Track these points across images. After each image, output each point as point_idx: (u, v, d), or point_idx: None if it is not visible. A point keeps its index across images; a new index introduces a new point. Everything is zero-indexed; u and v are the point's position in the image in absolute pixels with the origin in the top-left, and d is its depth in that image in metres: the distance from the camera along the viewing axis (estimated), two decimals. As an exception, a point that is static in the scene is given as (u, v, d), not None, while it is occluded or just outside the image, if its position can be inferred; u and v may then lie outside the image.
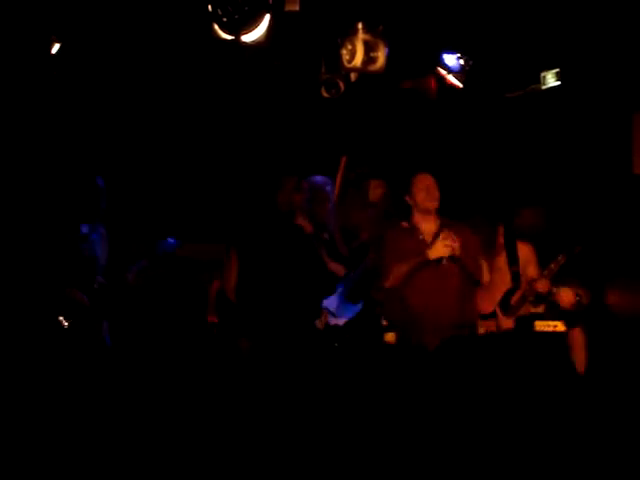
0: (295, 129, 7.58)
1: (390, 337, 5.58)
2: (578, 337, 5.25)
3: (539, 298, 5.59)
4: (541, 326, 5.81)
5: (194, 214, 7.78)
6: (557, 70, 6.57)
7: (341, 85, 6.45)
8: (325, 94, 6.52)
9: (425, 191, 5.16)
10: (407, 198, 5.23)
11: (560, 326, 5.78)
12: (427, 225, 5.18)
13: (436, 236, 5.06)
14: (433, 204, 5.16)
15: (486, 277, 5.42)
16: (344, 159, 6.86)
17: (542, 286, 5.31)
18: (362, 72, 6.23)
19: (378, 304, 5.73)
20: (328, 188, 5.99)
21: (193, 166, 7.76)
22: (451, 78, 6.62)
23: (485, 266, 5.44)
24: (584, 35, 6.35)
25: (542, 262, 5.93)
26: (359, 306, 6.20)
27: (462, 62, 6.52)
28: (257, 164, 7.65)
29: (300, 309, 5.68)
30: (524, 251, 5.87)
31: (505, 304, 5.67)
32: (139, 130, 7.51)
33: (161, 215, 7.57)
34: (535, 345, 5.57)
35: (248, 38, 5.98)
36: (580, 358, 5.70)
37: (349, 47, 6.07)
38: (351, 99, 6.72)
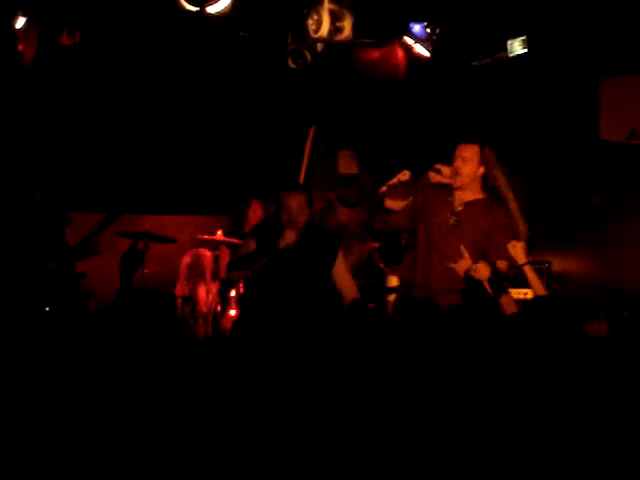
0: (263, 100, 7.56)
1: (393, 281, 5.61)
2: (508, 301, 5.28)
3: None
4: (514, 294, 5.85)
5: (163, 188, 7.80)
6: (524, 37, 6.57)
7: (308, 55, 6.42)
8: (292, 65, 6.49)
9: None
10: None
11: (530, 293, 5.82)
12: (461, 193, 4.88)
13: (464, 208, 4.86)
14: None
15: None
16: (313, 129, 6.85)
17: (502, 265, 5.31)
18: (329, 42, 6.22)
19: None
20: None
21: (160, 141, 7.73)
22: (418, 47, 6.61)
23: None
24: (550, 2, 6.36)
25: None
26: None
27: (429, 31, 6.51)
28: (225, 137, 7.64)
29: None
30: None
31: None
32: (104, 105, 7.47)
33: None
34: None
35: (213, 9, 5.96)
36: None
37: (315, 17, 6.06)
38: (318, 69, 6.71)
